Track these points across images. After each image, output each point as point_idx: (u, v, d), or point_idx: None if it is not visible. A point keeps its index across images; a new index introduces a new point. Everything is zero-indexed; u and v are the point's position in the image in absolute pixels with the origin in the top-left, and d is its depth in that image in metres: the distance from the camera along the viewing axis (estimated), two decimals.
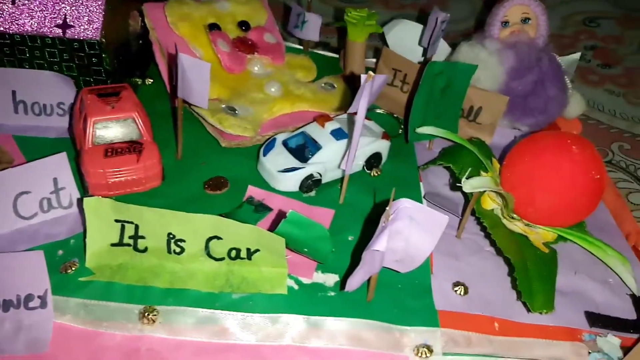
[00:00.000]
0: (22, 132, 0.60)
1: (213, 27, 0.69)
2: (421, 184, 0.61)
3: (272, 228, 0.48)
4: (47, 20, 0.54)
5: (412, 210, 0.41)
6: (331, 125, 0.59)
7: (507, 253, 0.49)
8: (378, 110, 0.72)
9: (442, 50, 0.79)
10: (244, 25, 0.72)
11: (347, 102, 0.69)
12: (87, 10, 0.54)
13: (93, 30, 0.54)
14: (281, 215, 0.52)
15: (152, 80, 0.71)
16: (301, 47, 0.81)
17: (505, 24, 0.69)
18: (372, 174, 0.61)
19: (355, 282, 0.45)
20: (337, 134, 0.58)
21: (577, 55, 0.79)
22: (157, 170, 0.54)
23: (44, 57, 0.58)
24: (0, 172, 0.49)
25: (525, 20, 0.69)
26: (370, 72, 0.48)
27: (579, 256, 0.55)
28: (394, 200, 0.41)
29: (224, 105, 0.62)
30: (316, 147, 0.58)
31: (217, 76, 0.66)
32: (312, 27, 0.77)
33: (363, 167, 0.61)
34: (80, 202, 0.49)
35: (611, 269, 0.54)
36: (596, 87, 0.93)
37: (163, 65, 0.67)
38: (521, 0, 0.69)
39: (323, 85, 0.70)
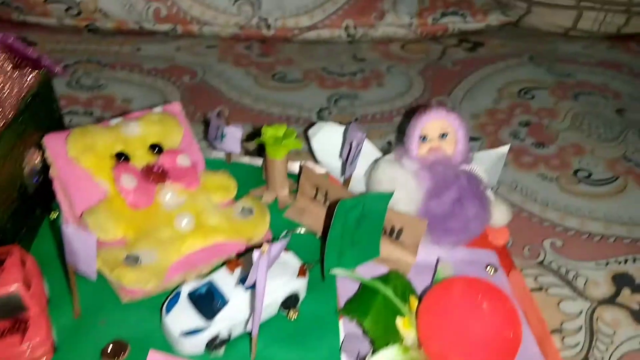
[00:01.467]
0: None
1: (120, 157, 0.66)
2: (341, 324, 0.58)
3: None
4: None
5: None
6: (241, 272, 0.56)
7: None
8: (299, 231, 0.69)
9: (368, 153, 0.77)
10: (155, 148, 0.69)
11: (264, 228, 0.66)
12: None
13: None
14: None
15: (57, 213, 0.67)
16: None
17: (423, 138, 0.68)
18: (288, 317, 0.58)
19: None
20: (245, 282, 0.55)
21: (505, 149, 0.78)
22: (46, 347, 0.50)
23: None
24: None
25: (443, 136, 0.67)
26: (265, 245, 0.45)
27: None
28: None
29: (126, 255, 0.58)
30: (223, 300, 0.54)
31: (123, 213, 0.62)
32: (231, 140, 0.74)
33: (279, 309, 0.58)
34: None
35: None
36: (530, 170, 0.92)
37: (65, 204, 0.63)
38: (438, 115, 0.68)
39: (241, 210, 0.67)
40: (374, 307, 0.55)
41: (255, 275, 0.46)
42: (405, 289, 0.58)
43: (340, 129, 0.81)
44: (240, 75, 1.15)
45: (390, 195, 0.61)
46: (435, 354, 0.52)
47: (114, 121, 0.70)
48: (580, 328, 0.67)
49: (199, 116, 0.99)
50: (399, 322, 0.54)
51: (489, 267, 0.68)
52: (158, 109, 0.73)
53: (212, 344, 0.53)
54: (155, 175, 0.65)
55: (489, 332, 0.48)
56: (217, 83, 1.11)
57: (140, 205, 0.63)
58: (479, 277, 0.64)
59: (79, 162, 0.64)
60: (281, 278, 0.57)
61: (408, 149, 0.68)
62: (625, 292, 0.71)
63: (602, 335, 0.66)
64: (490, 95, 1.13)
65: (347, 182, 0.72)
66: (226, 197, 0.69)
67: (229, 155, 0.77)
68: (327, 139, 0.80)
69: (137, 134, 0.68)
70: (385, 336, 0.53)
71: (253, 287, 0.54)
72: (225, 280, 0.56)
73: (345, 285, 0.62)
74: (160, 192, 0.65)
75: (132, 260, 0.58)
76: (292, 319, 0.58)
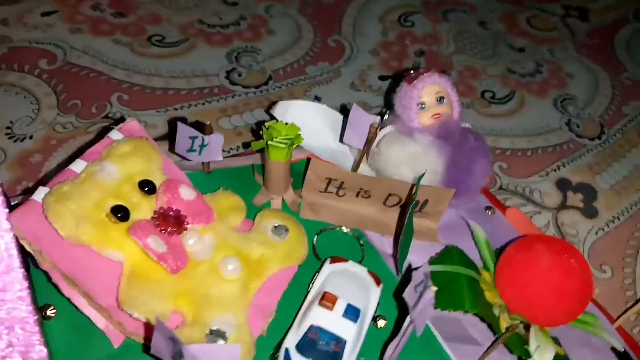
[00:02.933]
0: None
1: (117, 212, 0.51)
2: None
3: None
4: None
5: None
6: (341, 305, 0.51)
7: None
8: (345, 229, 0.65)
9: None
10: (146, 186, 0.54)
11: (305, 244, 0.60)
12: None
13: None
14: None
15: (54, 311, 0.50)
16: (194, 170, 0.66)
17: (421, 106, 0.67)
18: (378, 327, 0.56)
19: None
20: (351, 314, 0.51)
21: None
22: None
23: None
24: None
25: (439, 100, 0.67)
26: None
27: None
28: None
29: (209, 332, 0.48)
30: (340, 341, 0.50)
31: (160, 282, 0.50)
32: (214, 148, 0.62)
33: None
34: None
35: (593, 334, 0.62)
36: None
37: (80, 299, 0.47)
38: (431, 80, 0.67)
39: (273, 230, 0.59)
40: (465, 292, 0.56)
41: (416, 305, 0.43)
42: (469, 262, 0.61)
43: (308, 104, 0.75)
44: (111, 46, 0.93)
45: (419, 180, 0.60)
46: (516, 308, 0.57)
47: (78, 168, 0.53)
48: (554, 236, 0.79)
49: (96, 112, 0.80)
50: (487, 296, 0.57)
51: (487, 209, 0.74)
52: (117, 135, 0.57)
53: None
54: (173, 223, 0.53)
55: (576, 286, 0.55)
56: (89, 62, 0.89)
57: (182, 267, 0.51)
58: (485, 220, 0.71)
59: (77, 240, 0.48)
60: (372, 293, 0.54)
61: (409, 119, 0.67)
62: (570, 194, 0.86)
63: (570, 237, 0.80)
64: (376, 28, 1.14)
65: (356, 166, 0.68)
66: (242, 216, 0.60)
67: (207, 164, 0.65)
68: (297, 117, 0.73)
69: (118, 176, 0.53)
70: (488, 312, 0.55)
71: (358, 313, 0.52)
72: (328, 319, 0.51)
73: None
74: (185, 240, 0.53)
75: (219, 337, 0.48)
76: (383, 327, 0.56)
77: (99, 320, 0.48)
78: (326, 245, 0.63)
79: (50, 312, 0.49)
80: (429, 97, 0.67)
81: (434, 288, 0.42)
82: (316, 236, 0.63)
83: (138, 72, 0.89)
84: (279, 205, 0.65)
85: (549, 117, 0.99)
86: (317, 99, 0.93)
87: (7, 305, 0.33)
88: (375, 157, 0.68)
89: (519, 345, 0.53)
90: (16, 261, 0.34)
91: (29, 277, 0.35)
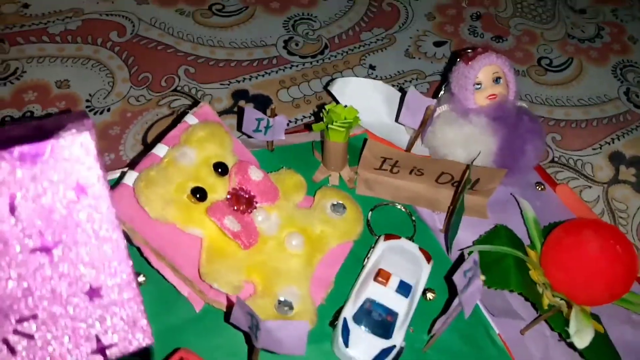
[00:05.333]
0: None
1: (196, 193, 0.57)
2: None
3: None
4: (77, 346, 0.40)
5: None
6: (394, 281, 0.57)
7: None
8: (398, 206, 0.69)
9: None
10: (220, 167, 0.60)
11: (362, 221, 0.65)
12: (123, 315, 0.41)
13: (140, 336, 0.42)
14: None
15: (144, 279, 0.57)
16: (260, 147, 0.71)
17: (477, 85, 0.69)
18: (427, 299, 0.62)
19: None
20: (403, 289, 0.57)
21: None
22: None
23: None
24: None
25: (496, 80, 0.69)
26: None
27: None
28: None
29: (277, 302, 0.54)
30: (393, 314, 0.55)
31: (234, 256, 0.56)
32: (278, 129, 0.67)
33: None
34: None
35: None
36: None
37: (167, 270, 0.55)
38: (489, 59, 0.68)
39: (332, 208, 0.64)
40: (511, 271, 0.60)
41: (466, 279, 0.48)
42: (517, 241, 0.64)
43: (365, 81, 0.78)
44: (176, 17, 0.98)
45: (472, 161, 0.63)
46: (559, 288, 0.61)
47: (160, 152, 0.59)
48: (603, 211, 0.81)
49: (165, 85, 0.85)
50: (532, 274, 0.61)
51: (537, 185, 0.76)
52: (192, 120, 0.62)
53: (396, 358, 0.55)
54: (245, 202, 0.59)
55: (622, 271, 0.58)
56: (157, 35, 0.94)
57: (252, 243, 0.57)
58: (535, 196, 0.74)
59: (163, 220, 0.54)
60: (423, 269, 0.59)
61: (465, 99, 0.69)
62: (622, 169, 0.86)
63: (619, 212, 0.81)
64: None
65: (410, 146, 0.72)
66: (303, 194, 0.65)
67: (271, 142, 0.70)
68: (356, 94, 0.76)
69: (196, 160, 0.59)
70: (532, 291, 0.60)
71: (409, 289, 0.57)
72: (383, 294, 0.56)
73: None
74: (254, 217, 0.59)
75: (286, 306, 0.54)
76: (432, 300, 0.62)
77: (183, 289, 0.55)
78: (380, 221, 0.67)
79: (140, 279, 0.57)
80: (485, 77, 0.69)
81: (483, 277, 0.47)
82: (370, 212, 0.68)
83: (202, 44, 0.93)
84: (336, 182, 0.70)
85: (607, 86, 0.98)
86: (371, 68, 0.95)
87: (117, 282, 0.40)
88: (430, 136, 0.71)
89: (559, 323, 0.58)
90: (123, 243, 0.40)
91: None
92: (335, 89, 0.78)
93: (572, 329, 0.55)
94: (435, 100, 0.66)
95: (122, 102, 0.83)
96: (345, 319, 0.55)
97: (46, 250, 0.38)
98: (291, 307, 0.55)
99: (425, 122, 0.67)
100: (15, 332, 0.38)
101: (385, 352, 0.54)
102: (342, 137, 0.66)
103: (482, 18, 1.08)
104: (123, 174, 0.57)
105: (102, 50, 0.90)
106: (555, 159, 0.86)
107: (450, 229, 0.63)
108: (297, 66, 0.93)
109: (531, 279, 0.61)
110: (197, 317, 0.56)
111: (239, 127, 0.69)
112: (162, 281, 0.56)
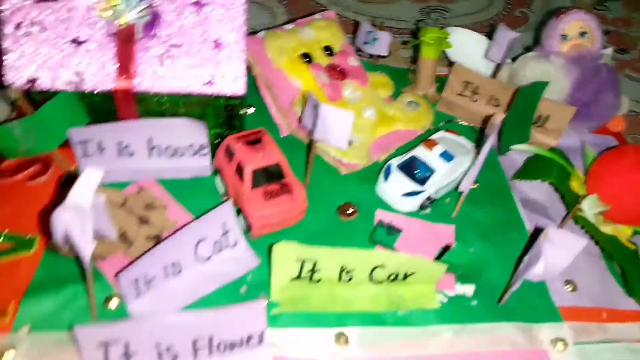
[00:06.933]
0: (161, 174, 0.66)
1: (306, 57, 0.75)
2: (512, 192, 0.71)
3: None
4: (194, 78, 0.59)
5: (556, 237, 0.51)
6: (438, 149, 0.67)
7: (613, 254, 0.60)
8: (460, 122, 0.80)
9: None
10: (328, 50, 0.78)
11: (431, 118, 0.77)
12: (232, 68, 0.59)
13: (238, 87, 0.60)
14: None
15: (254, 109, 0.76)
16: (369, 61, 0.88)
17: (564, 37, 0.78)
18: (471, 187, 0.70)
19: (508, 296, 0.55)
20: (446, 156, 0.67)
21: (609, 51, 0.89)
22: (305, 206, 0.61)
23: (190, 109, 0.64)
24: (183, 227, 0.55)
25: (582, 34, 0.77)
26: (498, 116, 0.57)
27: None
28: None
29: None
30: (430, 170, 0.66)
31: None
32: (382, 43, 0.83)
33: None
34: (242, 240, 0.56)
35: None
36: (619, 74, 1.04)
37: (269, 99, 0.73)
38: (578, 15, 0.77)
39: (408, 103, 0.78)
40: (554, 170, 0.67)
41: (490, 141, 0.57)
42: (568, 161, 0.70)
43: (470, 33, 0.91)
44: None
45: (546, 84, 0.71)
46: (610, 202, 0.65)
47: (288, 26, 0.78)
48: None
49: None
50: (572, 183, 0.67)
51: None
52: (318, 16, 0.82)
53: (425, 203, 0.65)
54: (338, 72, 0.75)
55: None
56: None
57: (335, 98, 0.73)
58: None
59: (276, 63, 0.73)
60: (466, 156, 0.69)
61: (550, 47, 0.78)
62: None
63: None
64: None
65: (495, 74, 0.83)
66: (389, 92, 0.79)
67: (376, 57, 0.86)
68: (460, 43, 0.89)
69: (312, 37, 0.77)
70: (569, 192, 0.65)
71: (451, 158, 0.67)
72: (427, 155, 0.67)
73: None
74: (342, 88, 0.75)
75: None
76: (474, 187, 0.70)
77: (276, 115, 0.72)
78: None
79: (250, 110, 0.75)
80: (572, 30, 0.78)
81: (502, 115, 0.56)
82: (442, 123, 0.79)
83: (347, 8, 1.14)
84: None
85: None
86: None
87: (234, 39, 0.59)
88: (512, 72, 0.81)
89: (588, 224, 0.63)
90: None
91: None
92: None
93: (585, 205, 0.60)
94: (519, 34, 0.77)
95: None
96: (390, 164, 0.68)
97: (199, 5, 0.58)
98: (351, 143, 0.69)
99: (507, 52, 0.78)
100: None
101: (414, 193, 0.65)
102: (432, 52, 0.79)
103: (609, 34, 1.14)
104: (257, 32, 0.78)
105: None
106: None
107: (504, 133, 0.71)
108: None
109: (570, 186, 0.67)
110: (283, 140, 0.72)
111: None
112: (265, 113, 0.74)
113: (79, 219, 0.43)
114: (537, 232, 0.56)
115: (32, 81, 0.57)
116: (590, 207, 0.59)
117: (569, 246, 0.51)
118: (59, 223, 0.43)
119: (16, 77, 0.57)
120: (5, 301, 0.52)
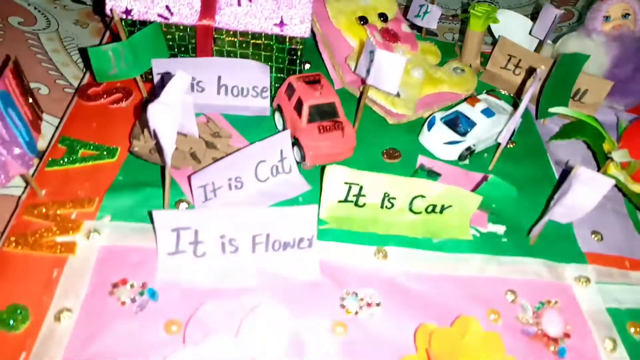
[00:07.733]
0: (225, 110, 0.73)
1: (362, 20, 0.82)
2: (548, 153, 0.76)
3: None
4: (267, 19, 0.67)
5: (586, 175, 0.56)
6: (480, 105, 0.73)
7: None
8: (502, 91, 0.86)
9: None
10: (382, 16, 0.84)
11: (475, 83, 0.83)
12: (300, 12, 0.67)
13: (304, 29, 0.67)
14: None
15: (309, 65, 0.83)
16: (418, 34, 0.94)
17: (607, 18, 0.82)
18: (508, 145, 0.75)
19: (537, 231, 0.60)
20: (487, 113, 0.72)
21: None
22: (354, 144, 0.68)
23: (258, 50, 0.71)
24: (248, 147, 0.62)
25: (625, 16, 0.82)
26: (540, 71, 0.62)
27: None
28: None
29: None
30: (472, 123, 0.72)
31: None
32: (433, 17, 0.89)
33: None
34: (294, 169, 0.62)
35: None
36: None
37: (326, 55, 0.80)
38: None
39: (454, 69, 0.83)
40: (589, 130, 0.72)
41: (532, 89, 0.63)
42: (602, 127, 0.75)
43: (516, 15, 0.96)
44: None
45: (587, 57, 0.76)
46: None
47: None
48: None
49: None
50: (605, 145, 0.71)
51: None
52: None
53: (464, 153, 0.71)
54: (391, 35, 0.82)
55: None
56: None
57: None
58: None
59: (336, 22, 0.80)
60: (505, 116, 0.74)
61: (592, 27, 0.83)
62: None
63: None
64: None
65: (537, 51, 0.88)
66: (436, 59, 0.86)
67: (424, 31, 0.93)
68: (505, 22, 0.95)
69: (369, 3, 0.84)
70: (602, 151, 0.70)
71: (492, 115, 0.72)
72: (469, 111, 0.73)
73: None
74: (395, 50, 0.82)
75: (397, 93, 0.75)
76: (511, 147, 0.75)
77: (332, 70, 0.79)
78: None
79: (306, 66, 0.83)
80: (615, 12, 0.82)
81: (544, 67, 0.62)
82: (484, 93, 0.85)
83: None
84: None
85: None
86: None
87: None
88: (553, 52, 0.86)
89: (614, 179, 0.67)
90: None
91: None
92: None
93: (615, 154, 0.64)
94: (563, 11, 0.82)
95: None
96: (434, 117, 0.74)
97: None
98: (398, 95, 0.75)
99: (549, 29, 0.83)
100: None
101: (455, 142, 0.70)
102: (480, 25, 0.85)
103: None
104: None
105: None
106: None
107: (543, 98, 0.76)
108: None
109: (603, 146, 0.71)
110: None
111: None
112: (320, 69, 0.81)
113: (169, 112, 0.51)
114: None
115: (128, 12, 0.66)
116: (619, 157, 0.63)
117: (597, 185, 0.56)
118: (152, 114, 0.50)
119: (115, 6, 0.65)
120: (92, 194, 0.60)
